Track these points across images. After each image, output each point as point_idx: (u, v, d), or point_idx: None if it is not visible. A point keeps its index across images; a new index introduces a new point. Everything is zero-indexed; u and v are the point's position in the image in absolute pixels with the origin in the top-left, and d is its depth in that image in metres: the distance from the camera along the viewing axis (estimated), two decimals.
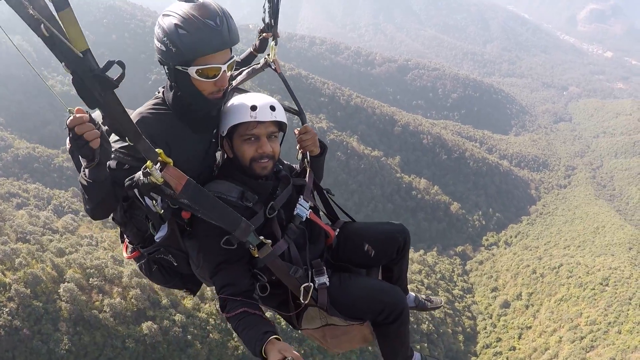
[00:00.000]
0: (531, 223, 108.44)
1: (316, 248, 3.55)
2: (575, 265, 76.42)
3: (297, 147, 3.72)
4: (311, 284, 3.21)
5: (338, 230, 3.79)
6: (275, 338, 2.65)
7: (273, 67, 3.97)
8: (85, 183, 2.63)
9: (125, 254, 3.60)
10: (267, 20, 3.83)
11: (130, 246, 3.51)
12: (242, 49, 4.02)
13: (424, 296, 4.37)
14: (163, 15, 2.78)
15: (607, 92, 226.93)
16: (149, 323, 36.55)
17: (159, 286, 39.61)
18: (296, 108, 3.87)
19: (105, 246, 45.80)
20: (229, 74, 2.98)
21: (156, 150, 2.55)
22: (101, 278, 38.31)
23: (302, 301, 3.16)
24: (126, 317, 36.42)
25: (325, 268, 3.40)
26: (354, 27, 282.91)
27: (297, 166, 3.85)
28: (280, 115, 3.24)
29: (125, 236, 3.51)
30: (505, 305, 76.25)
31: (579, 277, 72.62)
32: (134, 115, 2.92)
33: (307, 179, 3.68)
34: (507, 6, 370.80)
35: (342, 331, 3.49)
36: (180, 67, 2.82)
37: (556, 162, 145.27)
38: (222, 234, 2.94)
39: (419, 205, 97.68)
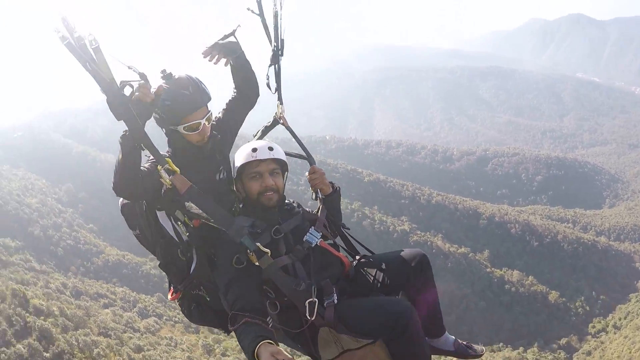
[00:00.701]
0: None
1: (328, 273, 3.73)
2: None
3: (311, 188, 4.35)
4: (316, 299, 3.37)
5: (356, 262, 4.06)
6: (268, 342, 2.85)
7: (281, 122, 4.73)
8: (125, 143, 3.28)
9: (169, 297, 4.17)
10: (271, 84, 4.67)
11: (173, 290, 4.14)
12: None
13: (464, 342, 4.33)
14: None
15: None
16: None
17: None
18: (304, 154, 4.51)
19: (184, 348, 48.60)
20: (208, 124, 3.91)
21: (165, 158, 3.42)
22: None
23: (308, 317, 3.32)
24: None
25: (334, 289, 3.56)
26: (428, 126, 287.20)
27: (315, 210, 4.25)
28: (278, 154, 3.90)
29: (169, 281, 4.17)
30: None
31: None
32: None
33: (319, 213, 4.12)
34: (575, 74, 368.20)
35: (358, 357, 3.49)
36: (172, 127, 3.86)
37: None
38: (233, 254, 3.46)
39: (514, 299, 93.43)
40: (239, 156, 3.94)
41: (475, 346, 4.30)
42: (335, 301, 3.47)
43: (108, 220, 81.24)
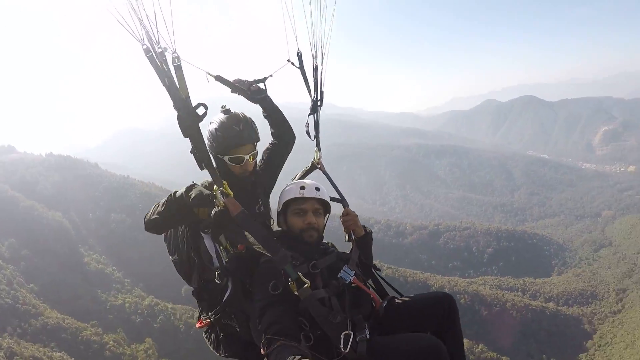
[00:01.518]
0: (590, 359, 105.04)
1: (361, 310, 3.77)
2: None
3: (344, 230, 4.53)
4: (351, 332, 3.36)
5: (386, 302, 4.05)
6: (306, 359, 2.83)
7: (318, 167, 5.21)
8: (174, 206, 3.69)
9: (197, 325, 4.30)
10: (310, 132, 5.22)
11: (203, 318, 4.27)
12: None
13: None
14: (210, 122, 4.25)
15: None
16: None
17: None
18: (339, 197, 4.79)
19: None
20: (252, 161, 4.31)
21: (222, 180, 3.53)
22: None
23: (343, 349, 3.28)
24: None
25: (367, 325, 3.55)
26: (383, 202, 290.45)
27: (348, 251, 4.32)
28: (324, 195, 4.17)
29: (200, 309, 4.31)
30: None
31: None
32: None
33: (352, 252, 4.24)
34: (527, 152, 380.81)
35: None
36: (220, 156, 4.25)
37: (605, 289, 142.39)
38: (271, 280, 3.53)
39: None
40: (287, 191, 4.25)
41: None
42: (368, 336, 3.49)
43: (49, 281, 79.76)
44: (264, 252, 3.70)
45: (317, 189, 4.19)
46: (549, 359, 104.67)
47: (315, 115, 5.22)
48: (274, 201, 4.68)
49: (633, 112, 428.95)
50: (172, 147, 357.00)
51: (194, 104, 3.26)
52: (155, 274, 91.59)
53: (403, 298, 4.18)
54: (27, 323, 64.12)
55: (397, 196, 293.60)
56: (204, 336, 4.39)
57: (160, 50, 2.99)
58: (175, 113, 3.21)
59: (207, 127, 4.26)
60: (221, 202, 3.48)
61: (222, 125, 4.19)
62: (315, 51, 4.93)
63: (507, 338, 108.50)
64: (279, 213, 4.31)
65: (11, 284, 71.65)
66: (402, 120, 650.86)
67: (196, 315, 4.44)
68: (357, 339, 3.41)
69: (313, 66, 5.03)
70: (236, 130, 4.17)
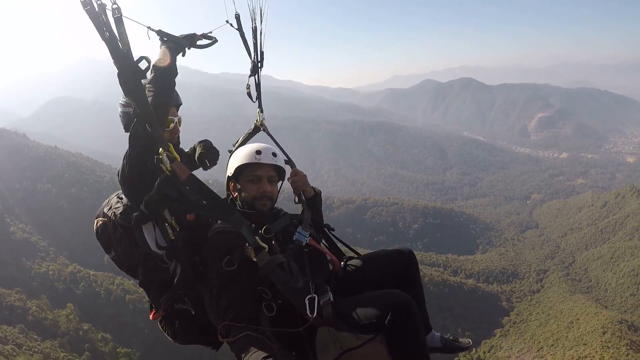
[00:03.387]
0: (504, 334, 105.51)
1: (320, 272, 3.70)
2: None
3: (293, 191, 4.41)
4: (315, 295, 3.26)
5: (344, 262, 4.06)
6: None
7: (262, 129, 4.90)
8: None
9: (150, 316, 4.01)
10: (253, 95, 4.92)
11: (155, 309, 3.98)
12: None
13: (451, 337, 4.38)
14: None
15: (569, 190, 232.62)
16: None
17: None
18: (286, 158, 4.46)
19: None
20: (179, 125, 4.08)
21: (168, 144, 3.18)
22: None
23: (309, 314, 3.19)
24: None
25: (328, 288, 3.44)
26: (316, 176, 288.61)
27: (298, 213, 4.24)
28: (280, 161, 3.96)
29: (150, 300, 3.99)
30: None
31: None
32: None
33: (304, 213, 4.13)
34: (462, 133, 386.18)
35: (359, 356, 3.35)
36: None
37: (526, 269, 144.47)
38: (224, 255, 3.32)
39: None
40: (241, 155, 3.89)
41: (462, 339, 4.39)
42: (332, 299, 3.35)
43: None
44: (214, 220, 3.70)
45: (274, 154, 3.95)
46: (464, 332, 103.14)
47: (256, 76, 4.98)
48: None
49: (569, 101, 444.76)
50: (104, 116, 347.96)
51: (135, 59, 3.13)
52: (79, 242, 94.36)
53: (362, 257, 4.17)
54: None
55: (330, 170, 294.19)
56: (160, 326, 4.13)
57: (100, 2, 2.84)
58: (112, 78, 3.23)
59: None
60: (168, 166, 3.20)
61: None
62: (254, 12, 4.82)
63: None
64: (229, 177, 4.03)
65: None
66: (340, 95, 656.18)
67: (147, 306, 4.24)
68: (320, 303, 3.32)
69: (252, 27, 4.85)
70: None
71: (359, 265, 3.99)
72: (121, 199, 4.03)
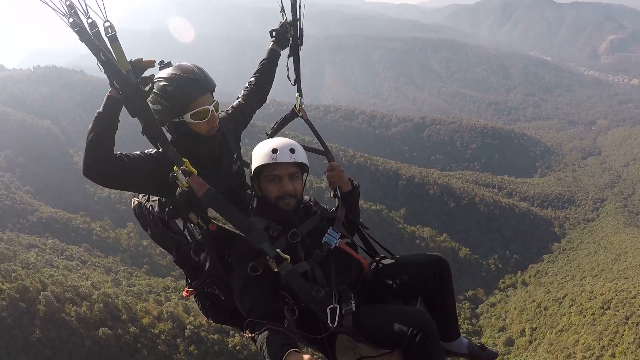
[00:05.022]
0: (552, 261, 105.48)
1: (347, 277, 3.62)
2: (579, 294, 73.81)
3: (329, 185, 4.20)
4: (337, 305, 3.23)
5: (374, 264, 3.94)
6: (295, 350, 2.74)
7: (300, 115, 4.63)
8: (102, 110, 3.02)
9: (184, 293, 4.02)
10: (291, 75, 4.62)
11: (188, 287, 3.99)
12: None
13: (478, 344, 4.25)
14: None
15: (637, 118, 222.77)
16: (105, 329, 43.88)
17: (121, 303, 48.00)
18: (322, 149, 4.45)
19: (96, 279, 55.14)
20: (217, 113, 3.62)
21: (182, 159, 3.08)
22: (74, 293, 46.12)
23: (330, 324, 3.16)
24: (89, 323, 43.69)
25: (352, 295, 3.42)
26: (376, 93, 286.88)
27: (332, 208, 4.11)
28: (300, 157, 3.66)
29: (185, 276, 3.99)
30: (509, 343, 73.48)
31: (580, 304, 70.21)
32: None
33: (337, 212, 3.95)
34: (529, 53, 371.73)
35: None
36: (177, 119, 3.48)
37: (584, 197, 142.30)
38: (250, 261, 3.28)
39: None
40: (258, 155, 3.67)
41: (489, 348, 4.19)
42: (354, 309, 3.31)
43: (43, 182, 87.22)
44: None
45: (292, 150, 3.66)
46: (512, 256, 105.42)
47: (296, 56, 4.66)
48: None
49: None
50: (162, 45, 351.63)
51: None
52: None
53: (393, 258, 4.02)
54: (24, 219, 71.11)
55: (390, 88, 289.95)
56: (195, 300, 4.12)
57: (91, 21, 2.67)
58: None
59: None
60: (184, 183, 3.10)
61: (173, 78, 3.44)
62: None
63: (473, 231, 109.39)
64: (251, 178, 3.84)
65: (9, 188, 78.82)
66: (403, 12, 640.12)
67: (183, 283, 4.26)
68: (342, 312, 3.27)
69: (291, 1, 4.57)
70: (191, 77, 3.47)
71: (390, 269, 3.90)
72: None
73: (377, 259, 4.02)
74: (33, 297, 42.83)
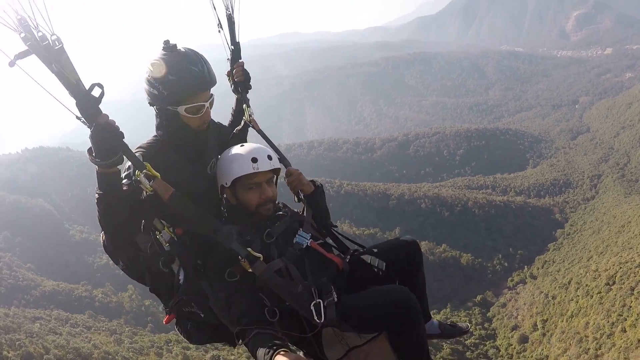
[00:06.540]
0: (557, 248, 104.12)
1: (324, 274, 3.59)
2: (583, 275, 72.76)
3: (291, 191, 4.29)
4: (319, 300, 3.25)
5: (349, 257, 3.95)
6: (284, 350, 2.75)
7: (251, 126, 4.66)
8: (102, 192, 3.09)
9: (164, 320, 3.91)
10: (234, 90, 4.71)
11: (167, 313, 3.85)
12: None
13: (448, 322, 4.37)
14: (152, 63, 3.49)
15: (618, 87, 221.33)
16: None
17: (121, 359, 49.08)
18: (278, 156, 4.31)
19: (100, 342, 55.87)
20: (210, 110, 3.66)
21: (143, 163, 3.11)
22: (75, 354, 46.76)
23: (317, 319, 3.18)
24: None
25: (333, 287, 3.42)
26: (359, 120, 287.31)
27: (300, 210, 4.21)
28: (276, 162, 3.82)
29: (163, 304, 3.89)
30: (523, 340, 71.80)
31: (586, 285, 69.22)
32: (134, 149, 3.48)
33: (305, 214, 4.07)
34: (500, 47, 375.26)
35: (364, 354, 3.50)
36: (170, 107, 3.49)
37: (579, 177, 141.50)
38: (225, 267, 3.29)
39: None
40: (235, 165, 3.69)
41: (460, 324, 4.31)
42: (335, 299, 3.32)
43: (42, 257, 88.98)
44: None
45: (269, 157, 3.77)
46: (516, 252, 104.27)
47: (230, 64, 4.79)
48: None
49: None
50: (141, 113, 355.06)
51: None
52: None
53: (366, 250, 4.07)
54: (28, 294, 72.42)
55: (371, 112, 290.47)
56: (176, 329, 4.00)
57: (41, 34, 2.74)
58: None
59: (149, 70, 3.53)
60: (148, 187, 3.12)
61: (176, 67, 3.40)
62: None
63: (472, 236, 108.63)
64: (223, 188, 3.82)
65: (11, 267, 79.99)
66: (370, 35, 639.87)
67: (162, 309, 4.04)
68: (324, 304, 3.27)
69: (226, 14, 4.63)
70: (196, 71, 3.45)
71: (365, 259, 3.92)
72: None
73: (350, 252, 4.03)
74: None
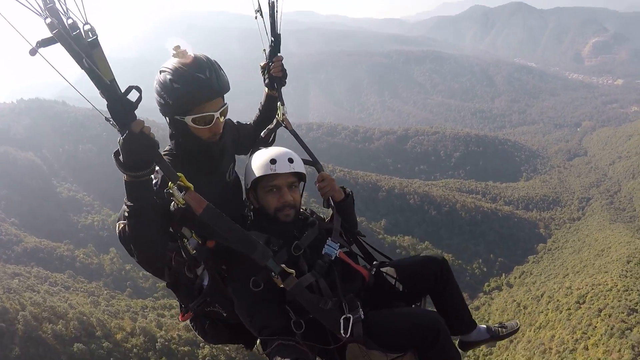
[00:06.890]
0: (537, 261, 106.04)
1: (351, 287, 3.53)
2: (557, 290, 74.04)
3: (321, 196, 4.12)
4: (349, 315, 3.16)
5: (374, 270, 3.87)
6: None
7: (284, 125, 4.54)
8: (133, 203, 2.86)
9: (180, 318, 3.79)
10: (268, 84, 4.48)
11: (184, 310, 3.74)
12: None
13: (497, 324, 4.27)
14: (160, 71, 3.20)
15: (622, 118, 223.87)
16: (80, 345, 45.00)
17: (96, 321, 49.42)
18: (311, 159, 4.32)
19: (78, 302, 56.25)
20: (222, 119, 3.35)
21: (177, 174, 2.83)
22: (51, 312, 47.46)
23: (343, 334, 3.09)
24: (64, 340, 44.82)
25: (359, 303, 3.34)
26: (362, 109, 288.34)
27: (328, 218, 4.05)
28: (298, 167, 3.61)
29: (179, 301, 3.74)
30: (491, 344, 72.79)
31: (557, 300, 70.48)
32: None
33: (333, 222, 3.85)
34: (513, 60, 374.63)
35: None
36: (178, 117, 3.23)
37: (569, 197, 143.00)
38: (250, 276, 3.14)
39: None
40: (255, 166, 3.59)
41: (508, 323, 4.24)
42: (362, 316, 3.23)
43: (28, 213, 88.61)
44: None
45: (291, 160, 3.60)
46: (496, 259, 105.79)
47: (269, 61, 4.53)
48: None
49: (626, 25, 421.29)
50: (144, 71, 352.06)
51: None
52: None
53: (391, 263, 3.98)
54: (10, 249, 72.20)
55: (375, 102, 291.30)
56: (190, 325, 3.90)
57: (71, 21, 2.28)
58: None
59: (157, 78, 3.22)
60: (180, 200, 2.87)
61: (181, 75, 3.10)
62: None
63: (455, 237, 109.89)
64: (247, 190, 3.72)
65: None
66: (387, 26, 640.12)
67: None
68: (352, 321, 3.17)
69: (269, 2, 4.31)
70: (202, 79, 3.11)
71: (390, 273, 3.85)
72: None
73: (376, 264, 4.00)
74: (12, 317, 43.78)
